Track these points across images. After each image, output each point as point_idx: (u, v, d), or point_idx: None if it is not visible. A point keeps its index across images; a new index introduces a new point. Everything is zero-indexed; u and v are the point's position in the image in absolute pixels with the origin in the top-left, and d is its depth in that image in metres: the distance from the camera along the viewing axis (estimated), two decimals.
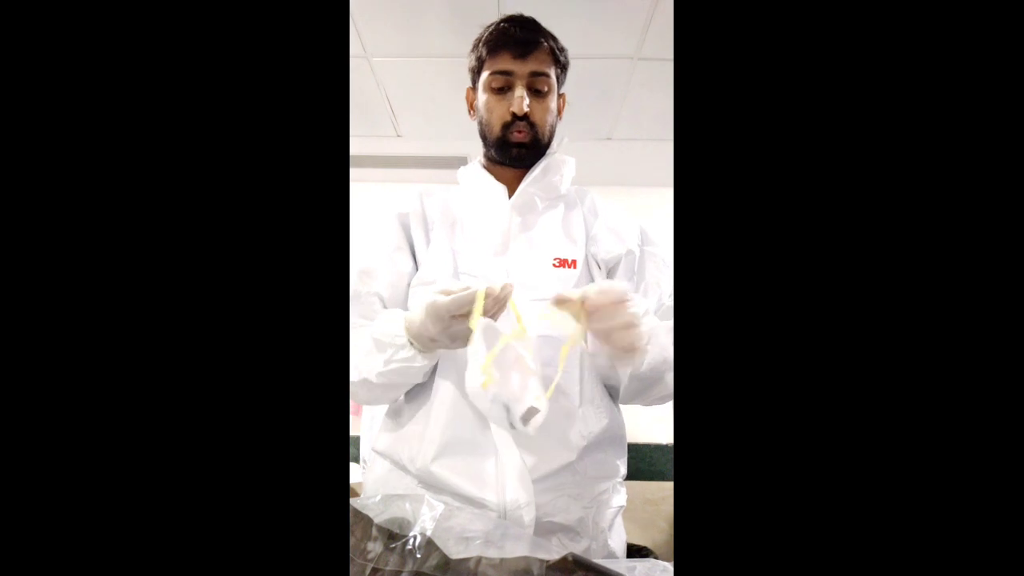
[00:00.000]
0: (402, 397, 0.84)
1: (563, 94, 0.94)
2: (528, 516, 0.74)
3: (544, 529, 0.76)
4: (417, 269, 0.86)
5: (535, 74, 0.85)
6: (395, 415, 0.84)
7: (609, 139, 2.55)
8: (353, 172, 2.24)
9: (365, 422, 2.20)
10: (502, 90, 0.85)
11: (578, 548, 0.77)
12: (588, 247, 0.87)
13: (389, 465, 0.82)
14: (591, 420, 0.81)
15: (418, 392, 0.81)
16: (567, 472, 0.78)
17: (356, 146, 2.43)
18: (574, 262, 0.84)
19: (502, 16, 0.89)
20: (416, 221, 0.88)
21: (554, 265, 0.83)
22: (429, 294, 0.67)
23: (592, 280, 0.84)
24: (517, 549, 0.53)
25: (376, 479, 0.84)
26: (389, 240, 0.87)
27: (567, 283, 0.81)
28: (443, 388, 0.78)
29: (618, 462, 0.84)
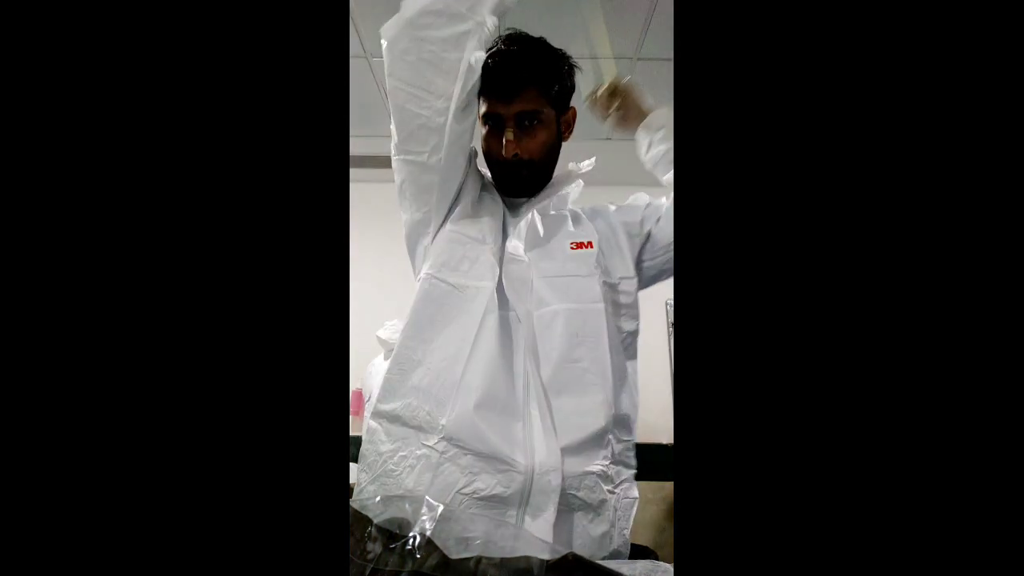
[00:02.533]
0: (422, 356, 0.81)
1: (573, 107, 0.96)
2: (555, 480, 0.74)
3: (567, 504, 0.76)
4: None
5: (522, 114, 0.86)
6: (411, 374, 0.81)
7: (609, 139, 2.54)
8: (353, 172, 2.23)
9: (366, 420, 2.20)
10: (494, 129, 0.89)
11: (597, 531, 0.78)
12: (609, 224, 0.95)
13: (401, 431, 0.79)
14: (622, 393, 0.85)
15: (450, 355, 0.80)
16: (595, 446, 0.79)
17: (356, 146, 2.42)
18: (591, 243, 0.90)
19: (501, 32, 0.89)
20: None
21: (572, 248, 0.89)
22: None
23: (606, 260, 0.90)
24: (517, 549, 0.53)
25: (384, 450, 0.79)
26: None
27: (587, 262, 0.87)
28: (481, 349, 0.79)
29: (631, 453, 0.88)
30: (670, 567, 0.55)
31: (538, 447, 0.76)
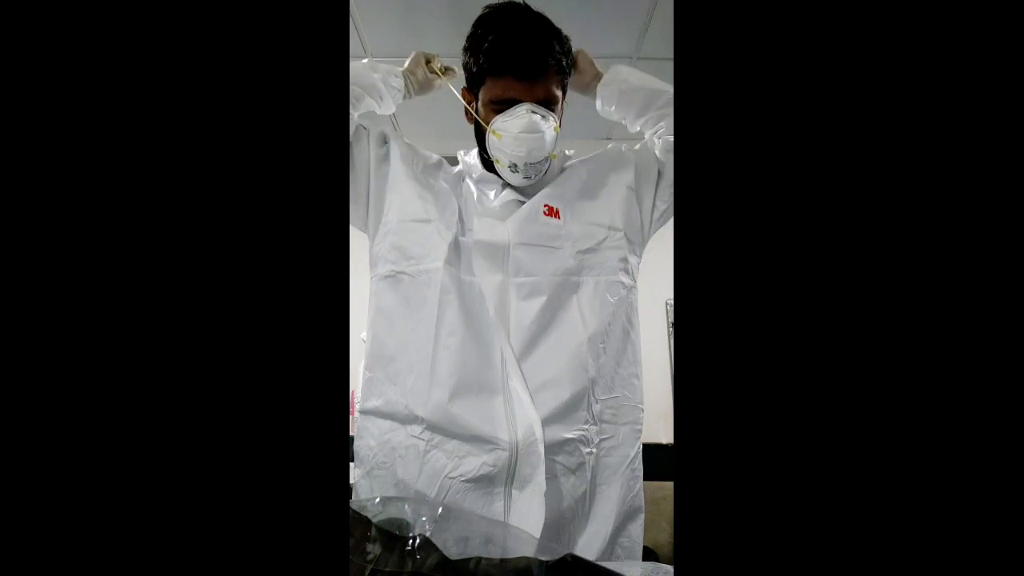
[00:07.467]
0: (394, 351, 0.82)
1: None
2: (538, 450, 0.74)
3: (551, 472, 0.76)
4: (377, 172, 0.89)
5: (544, 101, 0.81)
6: (387, 369, 0.82)
7: (609, 139, 2.55)
8: None
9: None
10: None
11: (578, 492, 0.78)
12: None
13: (388, 424, 0.81)
14: (601, 355, 0.81)
15: (418, 344, 0.80)
16: (572, 410, 0.78)
17: None
18: (558, 212, 0.86)
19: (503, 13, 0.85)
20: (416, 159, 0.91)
21: (544, 213, 0.85)
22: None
23: (577, 228, 0.87)
24: (517, 549, 0.53)
25: (374, 443, 0.81)
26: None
27: (557, 228, 0.85)
28: (446, 332, 0.79)
29: (614, 411, 0.83)
30: (670, 568, 0.55)
31: (519, 420, 0.75)
